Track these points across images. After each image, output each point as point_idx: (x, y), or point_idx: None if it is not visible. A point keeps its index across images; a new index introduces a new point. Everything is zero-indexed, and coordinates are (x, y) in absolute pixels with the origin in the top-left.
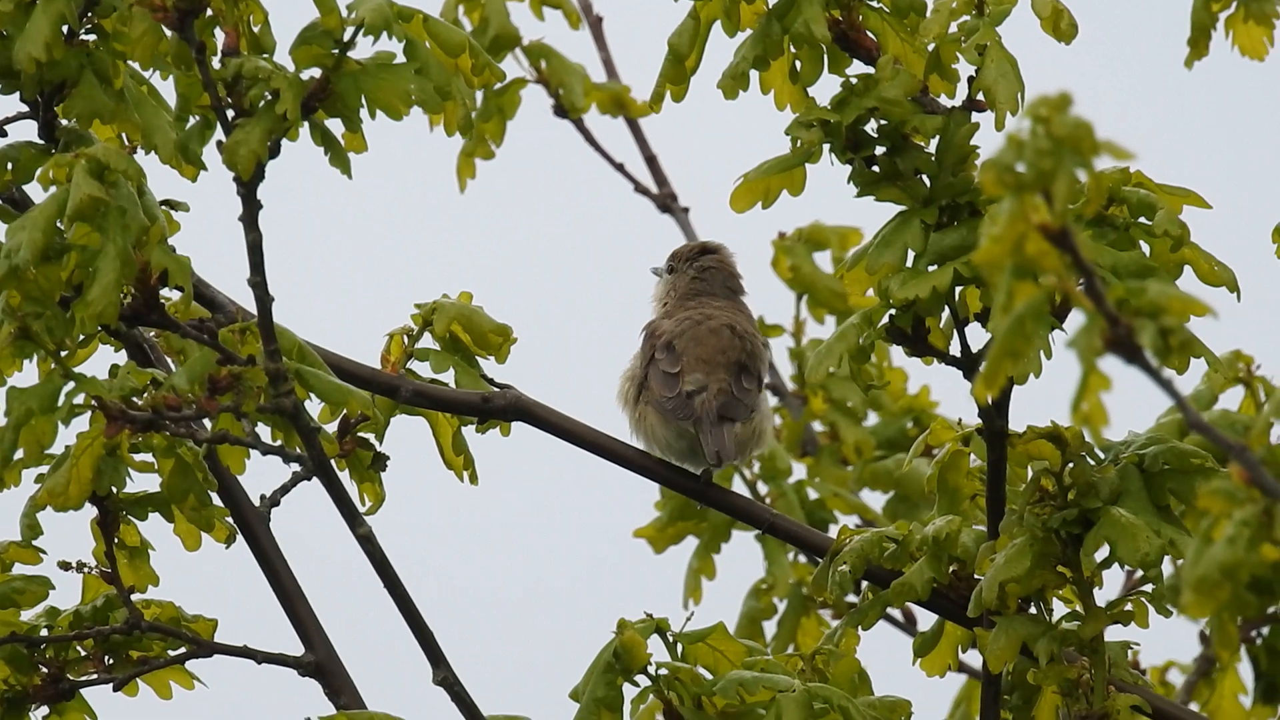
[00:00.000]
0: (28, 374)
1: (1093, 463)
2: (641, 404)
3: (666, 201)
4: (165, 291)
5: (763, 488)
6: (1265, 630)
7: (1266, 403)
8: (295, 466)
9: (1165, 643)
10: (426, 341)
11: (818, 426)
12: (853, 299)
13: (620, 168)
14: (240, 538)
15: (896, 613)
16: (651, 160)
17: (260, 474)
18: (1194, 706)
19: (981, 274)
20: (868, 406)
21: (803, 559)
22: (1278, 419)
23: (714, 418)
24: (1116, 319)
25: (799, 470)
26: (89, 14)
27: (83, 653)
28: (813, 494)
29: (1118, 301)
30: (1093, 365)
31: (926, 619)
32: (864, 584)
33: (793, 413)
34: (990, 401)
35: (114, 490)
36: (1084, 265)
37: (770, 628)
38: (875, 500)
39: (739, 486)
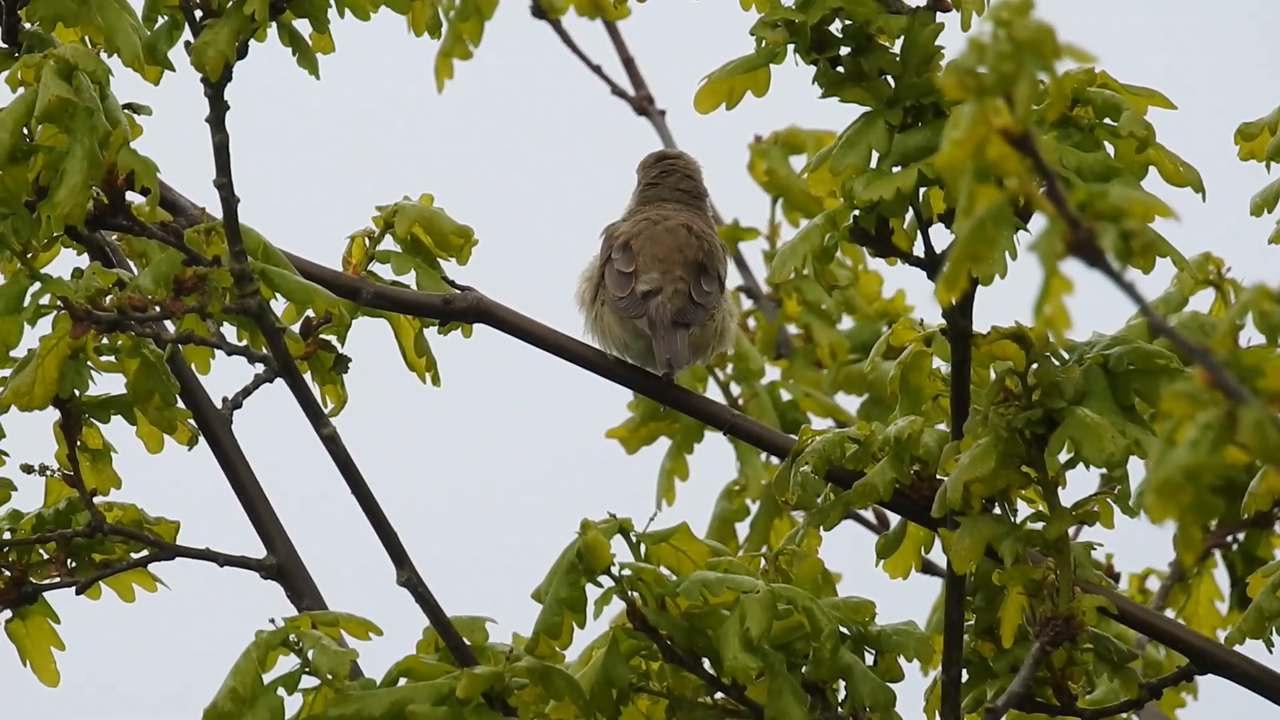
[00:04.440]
0: None
1: (1057, 363)
2: (597, 304)
3: (643, 104)
4: (130, 194)
5: (735, 389)
6: (1241, 535)
7: (1233, 305)
8: (259, 367)
9: (1144, 550)
10: (388, 244)
11: (792, 329)
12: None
13: (598, 69)
14: (202, 440)
15: (869, 514)
16: (629, 62)
17: (221, 379)
18: (1169, 612)
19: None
20: (842, 309)
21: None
22: (1244, 321)
23: (668, 322)
24: (1077, 222)
25: (772, 372)
26: None
27: (45, 556)
28: (786, 396)
29: (1079, 204)
30: (1054, 268)
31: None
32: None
33: (767, 315)
34: (953, 302)
35: (76, 393)
36: (1045, 169)
37: (743, 529)
38: (849, 403)
39: (712, 387)
